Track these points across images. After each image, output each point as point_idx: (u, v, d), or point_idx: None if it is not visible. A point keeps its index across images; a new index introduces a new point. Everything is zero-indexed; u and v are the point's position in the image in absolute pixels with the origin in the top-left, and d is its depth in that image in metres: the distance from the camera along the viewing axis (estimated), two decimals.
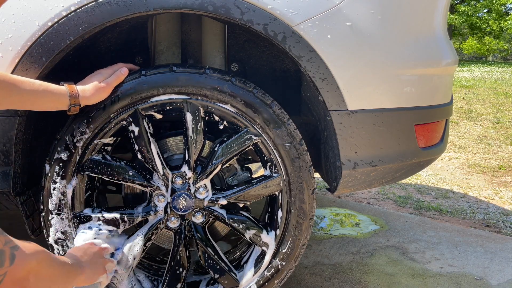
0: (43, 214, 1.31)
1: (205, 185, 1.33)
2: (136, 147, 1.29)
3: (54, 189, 1.28)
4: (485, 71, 13.73)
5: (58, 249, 1.32)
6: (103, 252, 1.23)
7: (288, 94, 1.61)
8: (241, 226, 1.35)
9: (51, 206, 1.30)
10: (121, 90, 1.24)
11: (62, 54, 1.22)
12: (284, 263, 1.38)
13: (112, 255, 1.28)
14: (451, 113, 1.62)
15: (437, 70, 1.43)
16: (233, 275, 1.38)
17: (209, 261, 1.37)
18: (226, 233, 1.52)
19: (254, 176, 1.46)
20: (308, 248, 2.12)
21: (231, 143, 1.30)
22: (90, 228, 1.31)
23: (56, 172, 1.27)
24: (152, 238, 1.35)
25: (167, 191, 1.32)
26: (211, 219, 1.38)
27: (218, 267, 1.37)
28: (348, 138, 1.31)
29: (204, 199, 1.33)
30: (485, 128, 5.37)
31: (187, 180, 1.32)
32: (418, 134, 1.40)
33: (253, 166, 1.64)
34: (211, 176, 1.33)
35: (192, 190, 1.32)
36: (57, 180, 1.28)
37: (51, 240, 1.32)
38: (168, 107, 1.28)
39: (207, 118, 1.31)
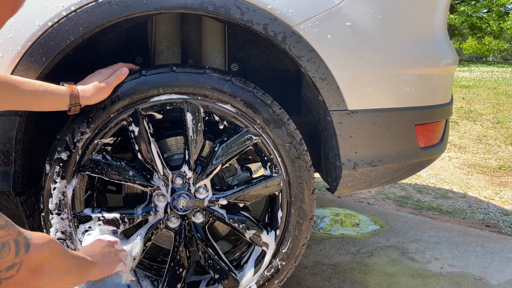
0: (43, 214, 1.31)
1: (205, 185, 1.33)
2: (136, 147, 1.29)
3: (54, 189, 1.28)
4: (485, 71, 13.74)
5: None
6: (113, 244, 1.25)
7: (288, 94, 1.61)
8: (241, 226, 1.35)
9: (51, 206, 1.30)
10: (121, 90, 1.24)
11: (62, 54, 1.22)
12: (284, 263, 1.38)
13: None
14: (451, 113, 1.62)
15: (437, 70, 1.43)
16: (233, 275, 1.38)
17: (209, 261, 1.37)
18: (226, 233, 1.52)
19: (254, 176, 1.46)
20: (308, 248, 2.12)
21: (231, 143, 1.30)
22: (91, 228, 1.31)
23: (56, 172, 1.27)
24: (152, 238, 1.35)
25: (167, 191, 1.32)
26: (211, 219, 1.38)
27: (218, 267, 1.37)
28: (348, 138, 1.31)
29: (204, 199, 1.33)
30: (485, 128, 5.37)
31: (187, 180, 1.32)
32: (418, 134, 1.40)
33: (253, 166, 1.64)
34: (211, 176, 1.33)
35: (192, 190, 1.32)
36: (57, 180, 1.28)
37: None
38: (168, 107, 1.28)
39: (207, 118, 1.31)
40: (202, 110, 1.28)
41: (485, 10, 24.68)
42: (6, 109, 1.09)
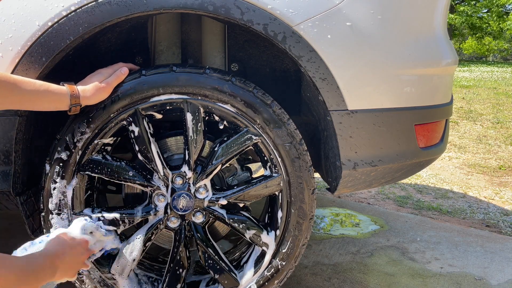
0: (43, 214, 1.31)
1: (205, 185, 1.33)
2: (136, 147, 1.29)
3: (54, 189, 1.28)
4: (485, 71, 13.74)
5: None
6: (85, 258, 1.19)
7: (288, 94, 1.61)
8: (241, 226, 1.35)
9: (51, 206, 1.30)
10: (121, 90, 1.24)
11: (62, 54, 1.22)
12: (284, 263, 1.38)
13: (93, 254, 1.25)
14: (451, 113, 1.62)
15: (437, 70, 1.43)
16: (233, 275, 1.38)
17: (209, 261, 1.37)
18: (226, 233, 1.52)
19: (254, 176, 1.46)
20: (308, 248, 2.12)
21: (231, 143, 1.30)
22: (92, 220, 1.28)
23: (56, 172, 1.27)
24: (152, 238, 1.35)
25: (167, 191, 1.32)
26: (211, 219, 1.38)
27: (218, 267, 1.37)
28: (348, 138, 1.31)
29: (204, 199, 1.33)
30: (485, 128, 5.37)
31: (187, 180, 1.32)
32: (418, 134, 1.40)
33: (253, 166, 1.64)
34: (211, 176, 1.33)
35: (192, 190, 1.32)
36: (57, 180, 1.28)
37: None
38: (168, 107, 1.28)
39: (207, 118, 1.31)
40: (202, 110, 1.28)
41: (485, 10, 24.68)
42: (6, 108, 1.09)
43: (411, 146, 1.39)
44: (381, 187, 3.20)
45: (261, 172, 1.38)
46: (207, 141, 1.35)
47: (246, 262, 1.42)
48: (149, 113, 1.28)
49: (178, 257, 1.36)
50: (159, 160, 1.30)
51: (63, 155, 1.27)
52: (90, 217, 1.31)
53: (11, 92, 1.07)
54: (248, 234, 1.36)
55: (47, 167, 1.28)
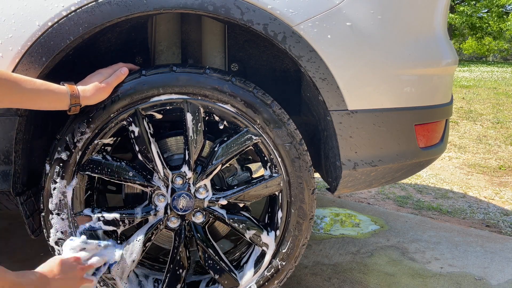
0: (43, 214, 1.31)
1: (205, 185, 1.33)
2: (136, 147, 1.29)
3: (54, 189, 1.28)
4: (485, 71, 13.73)
5: (58, 250, 1.32)
6: (83, 273, 1.19)
7: (288, 94, 1.61)
8: (241, 226, 1.35)
9: (51, 206, 1.30)
10: (121, 90, 1.24)
11: (62, 54, 1.22)
12: (284, 263, 1.38)
13: (98, 269, 1.25)
14: (451, 113, 1.62)
15: (437, 70, 1.43)
16: (233, 275, 1.38)
17: (209, 261, 1.37)
18: (226, 233, 1.52)
19: (254, 176, 1.46)
20: (308, 248, 2.12)
21: (231, 143, 1.30)
22: (77, 237, 1.28)
23: (56, 172, 1.27)
24: (152, 238, 1.35)
25: (167, 191, 1.32)
26: (211, 219, 1.38)
27: (218, 267, 1.37)
28: (348, 138, 1.31)
29: (204, 199, 1.33)
30: (485, 128, 5.37)
31: (187, 180, 1.32)
32: (418, 134, 1.40)
33: (253, 166, 1.64)
34: (211, 176, 1.33)
35: (192, 190, 1.32)
36: (57, 180, 1.28)
37: (51, 241, 1.32)
38: (168, 107, 1.28)
39: (207, 118, 1.31)
40: (202, 110, 1.28)
41: (485, 10, 24.68)
42: (6, 106, 1.09)
43: (411, 146, 1.39)
44: (381, 187, 3.20)
45: (261, 172, 1.38)
46: (207, 141, 1.35)
47: (246, 262, 1.42)
48: (149, 113, 1.28)
49: (178, 257, 1.36)
50: (159, 160, 1.30)
51: (63, 155, 1.27)
52: (90, 217, 1.31)
53: (11, 90, 1.07)
54: (248, 234, 1.36)
55: (47, 167, 1.28)
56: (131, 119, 1.27)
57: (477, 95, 7.79)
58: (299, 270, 1.91)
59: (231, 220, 1.35)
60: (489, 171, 3.78)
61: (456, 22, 23.43)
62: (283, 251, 1.37)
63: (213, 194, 1.34)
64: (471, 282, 1.88)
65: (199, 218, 1.35)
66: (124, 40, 1.51)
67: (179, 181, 1.31)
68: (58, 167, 1.27)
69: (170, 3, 1.18)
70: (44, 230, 1.32)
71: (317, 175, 1.72)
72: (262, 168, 1.37)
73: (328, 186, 1.52)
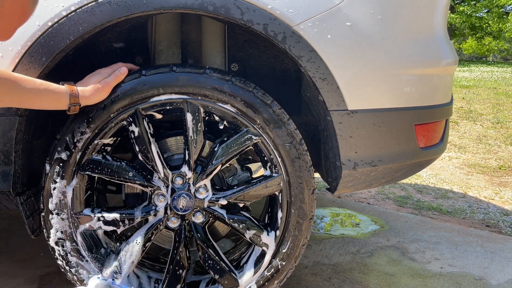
0: (43, 214, 1.31)
1: (205, 185, 1.33)
2: (136, 147, 1.29)
3: (54, 189, 1.28)
4: (485, 71, 13.73)
5: (58, 250, 1.32)
6: None
7: (288, 94, 1.61)
8: (241, 226, 1.35)
9: (51, 206, 1.30)
10: (121, 90, 1.24)
11: (62, 54, 1.22)
12: (284, 263, 1.38)
13: None
14: (451, 113, 1.62)
15: (437, 70, 1.43)
16: (233, 275, 1.38)
17: (209, 261, 1.37)
18: (226, 233, 1.52)
19: (254, 176, 1.46)
20: (308, 248, 2.12)
21: (231, 143, 1.30)
22: (104, 278, 1.33)
23: (56, 172, 1.27)
24: (152, 238, 1.35)
25: (167, 191, 1.32)
26: (211, 219, 1.38)
27: (218, 267, 1.37)
28: (348, 138, 1.31)
29: (204, 199, 1.33)
30: (485, 128, 5.37)
31: (187, 180, 1.32)
32: (418, 134, 1.40)
33: (253, 166, 1.63)
34: (211, 176, 1.33)
35: (192, 190, 1.32)
36: (57, 180, 1.28)
37: (51, 242, 1.32)
38: (168, 107, 1.28)
39: (207, 118, 1.31)
40: (202, 110, 1.28)
41: (485, 10, 24.68)
42: (6, 106, 1.09)
43: (411, 146, 1.39)
44: (381, 187, 3.20)
45: (261, 172, 1.38)
46: (207, 141, 1.35)
47: (246, 262, 1.42)
48: (149, 113, 1.28)
49: (178, 257, 1.36)
50: (159, 160, 1.30)
51: (63, 155, 1.27)
52: (90, 217, 1.31)
53: (11, 90, 1.07)
54: (248, 234, 1.36)
55: (47, 167, 1.28)
56: (131, 119, 1.27)
57: (477, 95, 7.79)
58: (299, 270, 1.91)
59: (231, 220, 1.35)
60: (489, 171, 3.78)
61: (456, 22, 23.43)
62: (283, 251, 1.37)
63: (213, 194, 1.34)
64: (471, 282, 1.88)
65: (199, 218, 1.35)
66: (124, 40, 1.51)
67: (179, 181, 1.32)
68: (58, 167, 1.27)
69: (170, 3, 1.18)
70: (44, 230, 1.32)
71: (317, 175, 1.72)
72: (262, 168, 1.37)
73: (328, 186, 1.52)
